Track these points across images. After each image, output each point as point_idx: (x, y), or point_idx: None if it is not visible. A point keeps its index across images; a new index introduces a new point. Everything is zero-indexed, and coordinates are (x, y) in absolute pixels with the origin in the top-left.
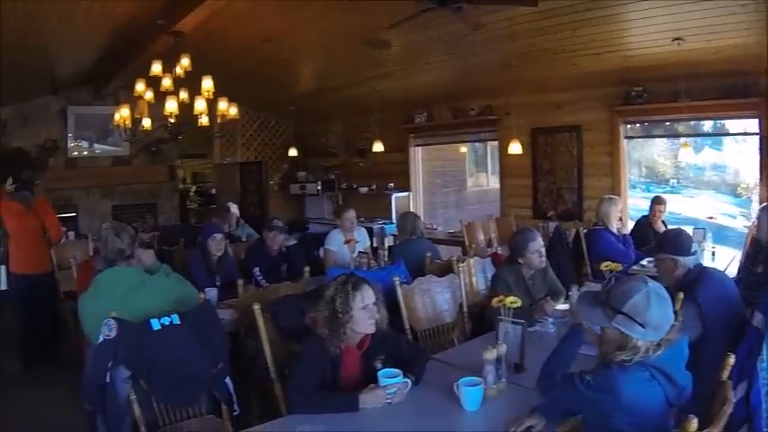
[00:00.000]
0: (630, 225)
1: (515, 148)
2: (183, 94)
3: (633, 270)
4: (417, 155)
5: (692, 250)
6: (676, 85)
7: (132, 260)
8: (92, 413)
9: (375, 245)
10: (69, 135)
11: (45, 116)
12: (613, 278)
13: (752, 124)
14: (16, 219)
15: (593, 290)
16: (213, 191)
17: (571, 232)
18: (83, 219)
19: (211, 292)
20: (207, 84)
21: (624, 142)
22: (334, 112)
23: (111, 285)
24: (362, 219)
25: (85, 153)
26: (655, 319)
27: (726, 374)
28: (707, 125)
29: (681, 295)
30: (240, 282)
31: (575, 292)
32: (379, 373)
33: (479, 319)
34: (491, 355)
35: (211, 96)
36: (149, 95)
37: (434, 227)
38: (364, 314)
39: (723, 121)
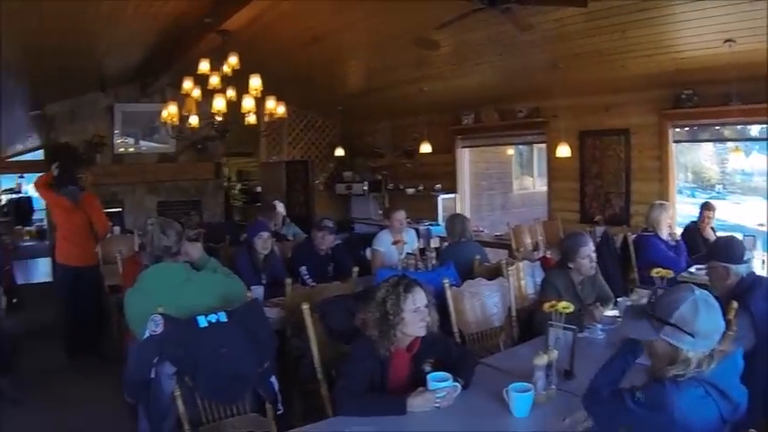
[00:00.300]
0: (677, 231)
1: (564, 150)
2: (231, 93)
3: (682, 277)
4: (464, 156)
5: (745, 258)
6: (727, 87)
7: (179, 256)
8: (134, 406)
9: (422, 246)
10: (116, 131)
11: (93, 112)
12: (658, 288)
13: None
14: (64, 214)
15: (638, 303)
16: (258, 189)
17: (619, 237)
18: (128, 214)
19: (258, 290)
20: (255, 82)
21: (673, 146)
22: (381, 111)
23: (157, 281)
24: (409, 220)
25: (131, 149)
26: (704, 328)
27: None
28: (754, 129)
29: (734, 304)
30: (288, 281)
31: (623, 301)
32: (429, 377)
33: (527, 324)
34: (542, 360)
35: (259, 95)
36: (197, 93)
37: (481, 229)
38: (415, 317)
39: None
